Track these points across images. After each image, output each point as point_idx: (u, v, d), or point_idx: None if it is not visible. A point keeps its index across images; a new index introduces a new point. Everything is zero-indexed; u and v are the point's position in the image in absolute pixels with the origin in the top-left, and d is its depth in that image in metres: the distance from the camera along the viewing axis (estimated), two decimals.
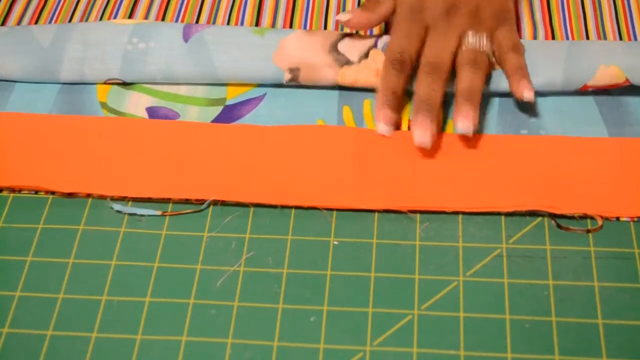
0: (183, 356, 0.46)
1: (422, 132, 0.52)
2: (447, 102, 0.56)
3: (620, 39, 0.61)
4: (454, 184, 0.52)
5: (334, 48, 0.57)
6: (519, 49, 0.56)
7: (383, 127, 0.54)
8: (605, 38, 0.62)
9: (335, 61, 0.57)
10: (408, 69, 0.55)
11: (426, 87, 0.54)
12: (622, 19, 0.63)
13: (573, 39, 0.62)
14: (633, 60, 0.55)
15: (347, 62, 0.57)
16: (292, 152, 0.54)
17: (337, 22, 0.58)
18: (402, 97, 0.55)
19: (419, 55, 0.56)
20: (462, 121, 0.52)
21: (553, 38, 0.62)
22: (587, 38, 0.62)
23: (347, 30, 0.63)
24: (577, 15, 0.63)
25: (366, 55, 0.57)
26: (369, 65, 0.57)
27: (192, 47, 0.58)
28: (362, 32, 0.60)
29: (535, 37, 0.62)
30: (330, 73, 0.57)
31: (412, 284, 0.48)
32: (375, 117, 0.54)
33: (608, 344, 0.45)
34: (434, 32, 0.56)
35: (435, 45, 0.55)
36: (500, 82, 0.56)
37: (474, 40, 0.55)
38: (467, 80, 0.54)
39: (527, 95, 0.53)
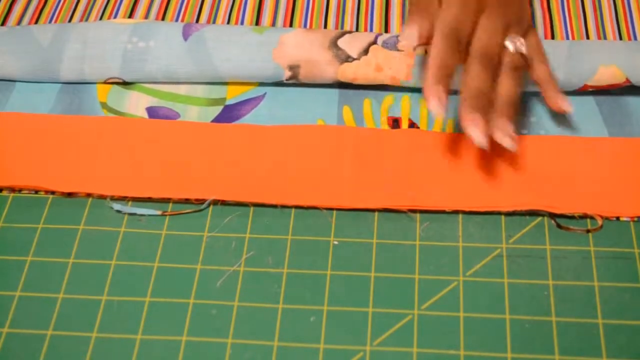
0: (183, 356, 0.46)
1: (477, 130, 0.49)
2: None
3: (620, 39, 0.61)
4: (454, 183, 0.52)
5: (333, 44, 0.57)
6: (543, 56, 0.55)
7: (436, 108, 0.49)
8: (605, 38, 0.62)
9: (335, 57, 0.57)
10: (463, 48, 0.51)
11: (478, 77, 0.50)
12: (622, 19, 0.63)
13: (573, 39, 0.62)
14: (633, 61, 0.55)
15: (347, 59, 0.56)
16: (292, 152, 0.54)
17: (334, 28, 0.57)
18: (455, 75, 0.50)
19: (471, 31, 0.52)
20: (501, 135, 0.50)
21: (553, 38, 0.62)
22: (587, 38, 0.62)
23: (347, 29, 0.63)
24: (577, 15, 0.63)
25: (366, 51, 0.57)
26: (369, 61, 0.56)
27: (192, 45, 0.58)
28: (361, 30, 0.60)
29: None
30: (330, 70, 0.57)
31: (412, 284, 0.48)
32: (427, 95, 0.49)
33: (608, 344, 0.45)
34: (488, 19, 0.52)
35: (484, 36, 0.52)
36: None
37: (519, 44, 0.53)
38: (508, 87, 0.52)
39: (567, 107, 0.53)
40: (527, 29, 0.55)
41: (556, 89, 0.53)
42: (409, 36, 0.52)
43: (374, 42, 0.57)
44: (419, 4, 0.54)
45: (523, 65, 0.53)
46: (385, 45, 0.57)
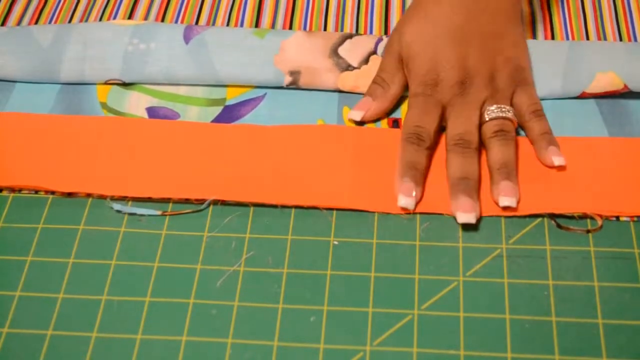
0: (183, 356, 0.46)
1: (467, 216, 0.49)
2: None
3: (620, 39, 0.61)
4: None
5: (334, 52, 0.57)
6: (540, 113, 0.54)
7: (406, 201, 0.50)
8: (605, 38, 0.61)
9: (335, 66, 0.57)
10: (427, 144, 0.52)
11: (460, 165, 0.51)
12: (622, 19, 0.63)
13: (573, 39, 0.62)
14: (631, 67, 0.55)
15: (348, 67, 0.57)
16: (292, 152, 0.54)
17: (334, 29, 0.57)
18: (426, 172, 0.52)
19: (436, 133, 0.53)
20: (505, 199, 0.50)
21: (553, 38, 0.62)
22: (587, 38, 0.62)
23: (348, 32, 0.63)
24: (577, 15, 0.63)
25: (366, 60, 0.57)
26: (370, 70, 0.57)
27: (193, 48, 0.58)
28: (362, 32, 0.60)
29: (535, 37, 0.62)
30: (330, 78, 0.57)
31: (412, 284, 0.48)
32: (397, 189, 0.51)
33: (608, 344, 0.45)
34: (453, 109, 0.53)
35: (458, 122, 0.52)
36: None
37: (497, 110, 0.53)
38: (499, 152, 0.51)
39: (558, 161, 0.51)
40: (518, 83, 0.54)
41: (550, 143, 0.52)
42: (355, 115, 0.55)
43: (374, 52, 0.57)
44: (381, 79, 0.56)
45: (511, 129, 0.53)
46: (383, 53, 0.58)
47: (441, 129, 0.54)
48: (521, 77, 0.55)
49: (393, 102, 0.56)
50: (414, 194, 0.50)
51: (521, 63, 0.55)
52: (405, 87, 0.56)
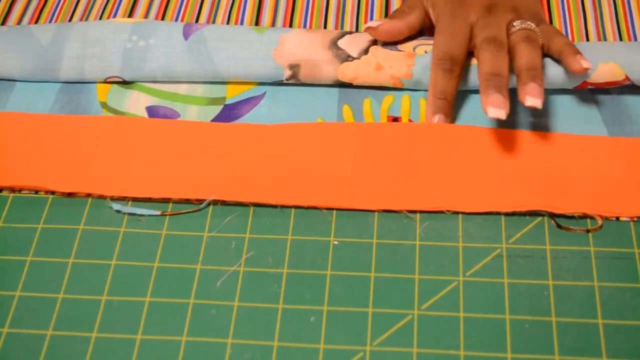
0: (183, 356, 0.46)
1: (498, 111, 0.51)
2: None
3: (620, 39, 0.61)
4: (454, 183, 0.52)
5: (333, 44, 0.57)
6: (562, 33, 0.56)
7: (439, 117, 0.54)
8: (605, 38, 0.61)
9: (335, 57, 0.57)
10: (458, 70, 0.54)
11: (492, 62, 0.52)
12: (622, 19, 0.63)
13: (573, 38, 0.62)
14: (632, 58, 0.55)
15: (347, 58, 0.57)
16: (292, 151, 0.54)
17: (334, 28, 0.57)
18: (454, 102, 0.55)
19: (464, 57, 0.55)
20: (531, 99, 0.51)
21: None
22: (587, 38, 0.62)
23: (347, 29, 0.63)
24: (577, 15, 0.63)
25: (366, 51, 0.57)
26: (369, 60, 0.57)
27: (192, 44, 0.58)
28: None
29: None
30: (330, 70, 0.57)
31: (412, 284, 0.48)
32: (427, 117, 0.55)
33: (608, 344, 0.45)
34: (480, 24, 0.55)
35: (487, 30, 0.54)
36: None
37: (522, 23, 0.55)
38: (526, 54, 0.53)
39: (586, 64, 0.52)
40: (538, 22, 0.56)
41: (574, 52, 0.53)
42: (372, 23, 0.57)
43: (374, 43, 0.57)
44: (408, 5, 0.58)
45: (537, 38, 0.54)
46: (385, 45, 0.57)
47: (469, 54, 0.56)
48: (540, 19, 0.57)
49: (409, 26, 0.57)
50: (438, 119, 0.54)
51: (539, 10, 0.58)
52: (422, 22, 0.58)
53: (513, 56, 0.54)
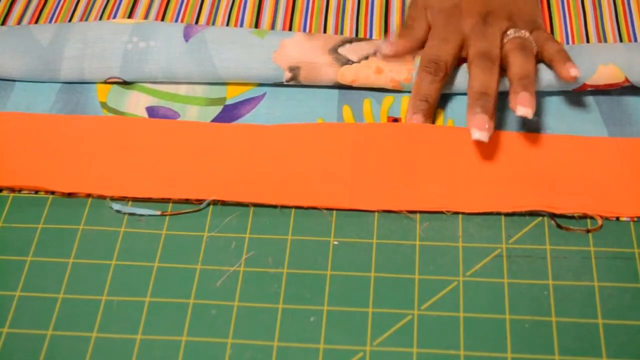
0: (183, 356, 0.46)
1: (481, 134, 0.51)
2: (443, 97, 0.56)
3: (620, 39, 0.61)
4: (454, 183, 0.52)
5: (334, 50, 0.57)
6: (555, 40, 0.56)
7: (417, 118, 0.54)
8: (605, 38, 0.62)
9: (335, 60, 0.57)
10: (443, 74, 0.54)
11: (481, 79, 0.53)
12: (622, 19, 0.63)
13: (573, 38, 0.62)
14: (632, 60, 0.55)
15: (347, 62, 0.57)
16: (292, 151, 0.54)
17: (334, 29, 0.58)
18: (435, 105, 0.55)
19: (453, 63, 0.55)
20: (522, 109, 0.51)
21: None
22: (587, 38, 0.62)
23: (347, 35, 0.63)
24: (577, 15, 0.63)
25: (366, 57, 0.57)
26: (369, 64, 0.57)
27: (193, 46, 0.58)
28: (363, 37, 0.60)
29: None
30: (330, 72, 0.57)
31: (412, 284, 0.48)
32: (406, 117, 0.55)
33: (608, 344, 0.45)
34: (474, 34, 0.55)
35: (480, 41, 0.55)
36: (504, 81, 0.55)
37: (516, 32, 0.55)
38: (519, 63, 0.53)
39: (574, 72, 0.53)
40: (534, 29, 0.56)
41: (564, 59, 0.54)
42: (383, 48, 0.56)
43: (374, 54, 0.57)
44: (410, 23, 0.58)
45: (531, 46, 0.54)
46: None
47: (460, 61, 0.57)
48: (536, 26, 0.57)
49: (418, 43, 0.57)
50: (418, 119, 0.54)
51: (537, 17, 0.58)
52: (428, 30, 0.58)
53: (506, 64, 0.54)
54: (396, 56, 0.57)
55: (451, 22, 0.56)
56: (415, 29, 0.58)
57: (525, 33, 0.55)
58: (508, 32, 0.55)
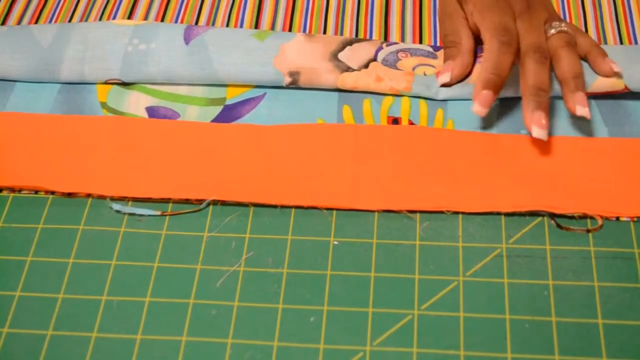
0: (183, 356, 0.46)
1: (542, 132, 0.51)
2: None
3: (620, 39, 0.61)
4: (454, 183, 0.52)
5: (334, 57, 0.57)
6: (585, 33, 0.56)
7: (481, 110, 0.52)
8: (605, 39, 0.61)
9: (335, 67, 0.57)
10: (515, 46, 0.53)
11: (538, 74, 0.52)
12: (622, 20, 0.63)
13: None
14: (632, 69, 0.55)
15: (348, 69, 0.57)
16: (292, 152, 0.54)
17: (334, 29, 0.58)
18: (506, 79, 0.53)
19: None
20: (581, 109, 0.52)
21: None
22: None
23: (347, 36, 0.63)
24: (577, 15, 0.63)
25: (366, 66, 0.57)
26: (369, 72, 0.57)
27: (193, 49, 0.58)
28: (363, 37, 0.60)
29: None
30: (330, 78, 0.57)
31: (412, 284, 0.48)
32: (474, 97, 0.52)
33: (608, 344, 0.45)
34: (523, 20, 0.55)
35: (531, 33, 0.54)
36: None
37: (560, 28, 0.55)
38: (569, 61, 0.53)
39: (616, 69, 0.53)
40: (559, 19, 0.57)
41: (603, 54, 0.54)
42: (444, 78, 0.56)
43: (374, 59, 0.57)
44: (450, 19, 0.58)
45: (574, 43, 0.55)
46: (384, 62, 0.58)
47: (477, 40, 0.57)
48: (558, 16, 0.58)
49: (471, 54, 0.57)
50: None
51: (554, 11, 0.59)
52: (475, 38, 0.57)
53: (554, 61, 0.54)
54: (458, 79, 0.56)
55: (500, 1, 0.55)
56: (462, 42, 0.57)
57: (567, 28, 0.55)
58: (552, 25, 0.55)
